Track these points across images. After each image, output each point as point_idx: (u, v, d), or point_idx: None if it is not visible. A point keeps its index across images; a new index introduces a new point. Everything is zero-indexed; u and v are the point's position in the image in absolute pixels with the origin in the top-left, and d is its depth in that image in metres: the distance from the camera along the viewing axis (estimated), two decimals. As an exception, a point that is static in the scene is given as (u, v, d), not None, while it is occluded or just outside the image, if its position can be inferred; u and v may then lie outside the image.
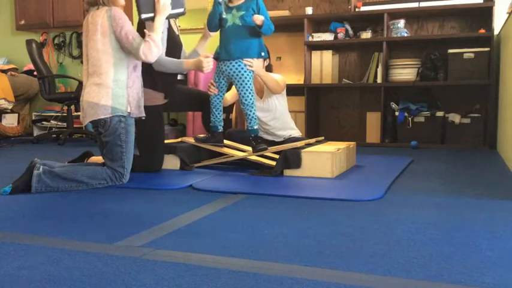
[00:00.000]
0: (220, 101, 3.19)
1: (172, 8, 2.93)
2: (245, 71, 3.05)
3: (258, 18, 2.96)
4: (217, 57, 3.12)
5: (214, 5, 3.06)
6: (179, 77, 3.28)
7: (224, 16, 3.05)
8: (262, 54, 3.10)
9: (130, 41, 2.67)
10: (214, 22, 3.09)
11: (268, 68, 3.56)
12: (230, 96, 3.51)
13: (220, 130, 3.23)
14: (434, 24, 4.87)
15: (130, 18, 2.94)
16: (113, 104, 2.70)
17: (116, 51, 2.72)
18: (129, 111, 2.76)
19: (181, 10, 3.03)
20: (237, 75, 3.06)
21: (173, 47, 3.15)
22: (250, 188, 2.63)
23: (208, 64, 3.09)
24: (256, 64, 3.10)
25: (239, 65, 3.04)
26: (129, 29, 2.70)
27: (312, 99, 5.11)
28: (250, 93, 3.08)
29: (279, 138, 3.55)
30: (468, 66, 4.46)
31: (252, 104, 3.10)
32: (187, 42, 3.46)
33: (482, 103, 4.62)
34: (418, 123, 4.64)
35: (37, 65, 5.22)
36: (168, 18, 2.95)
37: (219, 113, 3.20)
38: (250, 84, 3.08)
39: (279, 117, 3.51)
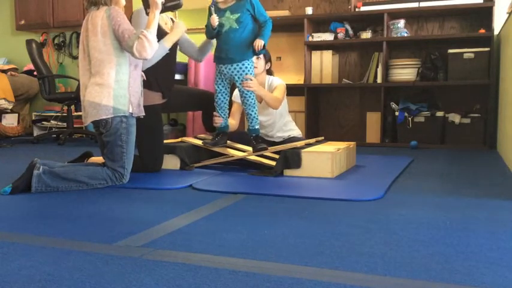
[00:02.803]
0: (224, 102, 3.19)
1: (167, 1, 2.85)
2: (247, 72, 3.06)
3: (259, 45, 2.98)
4: (217, 61, 3.12)
5: (210, 16, 3.05)
6: (179, 77, 3.27)
7: (219, 21, 3.03)
8: (257, 52, 3.09)
9: (126, 39, 2.67)
10: (212, 33, 3.08)
11: (269, 72, 3.57)
12: (235, 120, 3.50)
13: (227, 129, 3.24)
14: (434, 24, 4.87)
15: (130, 19, 2.93)
16: (115, 104, 2.70)
17: (118, 50, 2.71)
18: (131, 111, 2.76)
19: (176, 2, 2.90)
20: (239, 77, 3.06)
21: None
22: (250, 188, 2.63)
23: (182, 25, 3.08)
24: (256, 84, 3.11)
25: (240, 67, 3.05)
26: (126, 27, 2.69)
27: (312, 99, 5.11)
28: (252, 93, 3.09)
29: (279, 139, 3.55)
30: (468, 66, 4.46)
31: (254, 104, 3.12)
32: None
33: (482, 103, 4.62)
34: (418, 123, 4.64)
35: (37, 65, 5.22)
36: (164, 11, 2.90)
37: (224, 114, 3.20)
38: None
39: (278, 120, 3.51)
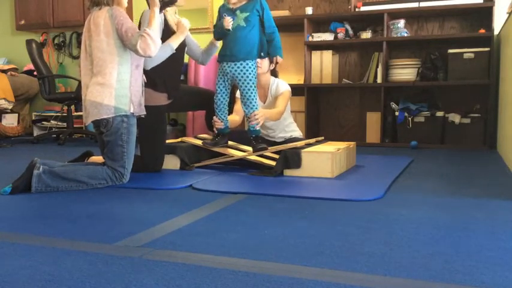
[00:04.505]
0: (224, 103, 3.18)
1: None
2: (250, 73, 3.05)
3: (278, 61, 3.15)
4: (221, 59, 3.12)
5: (220, 17, 3.07)
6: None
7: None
8: (262, 54, 3.10)
9: (129, 37, 2.67)
10: (220, 34, 3.09)
11: (273, 73, 3.56)
12: (239, 116, 3.50)
13: (227, 131, 3.23)
14: (434, 24, 4.87)
15: (131, 19, 2.95)
16: (116, 104, 2.70)
17: (120, 50, 2.72)
18: (132, 111, 2.76)
19: None
20: (242, 76, 3.06)
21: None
22: (250, 188, 2.63)
23: (185, 22, 3.09)
24: (262, 115, 3.13)
25: (244, 67, 3.04)
26: (129, 26, 2.70)
27: (312, 99, 5.11)
28: (253, 94, 3.09)
29: (281, 139, 3.55)
30: (468, 66, 4.46)
31: (255, 104, 3.10)
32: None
33: (482, 103, 4.62)
34: (418, 123, 4.64)
35: (37, 65, 5.22)
36: (163, 8, 2.89)
37: (224, 115, 3.20)
38: (255, 85, 3.09)
39: (281, 122, 3.50)
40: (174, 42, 3.03)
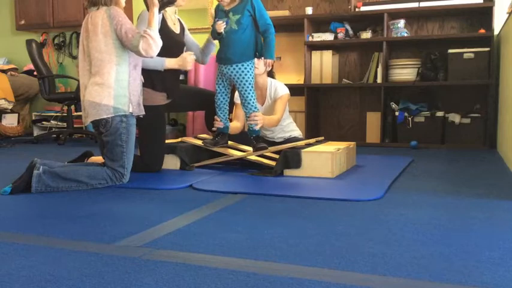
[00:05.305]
0: (224, 102, 3.17)
1: None
2: (246, 74, 3.04)
3: (269, 64, 3.09)
4: (218, 61, 3.12)
5: (215, 18, 3.07)
6: (180, 76, 3.27)
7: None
8: (257, 54, 3.09)
9: (130, 38, 2.67)
10: (215, 37, 3.09)
11: (270, 74, 3.55)
12: (240, 122, 3.49)
13: (227, 131, 3.23)
14: (434, 24, 4.87)
15: (130, 19, 2.97)
16: (115, 103, 2.70)
17: (119, 50, 2.72)
18: (131, 110, 2.76)
19: None
20: (239, 78, 3.05)
21: (171, 46, 3.13)
22: (250, 188, 2.63)
23: (191, 60, 3.16)
24: (261, 118, 3.12)
25: (239, 68, 3.04)
26: (129, 26, 2.69)
27: (312, 99, 5.11)
28: (251, 94, 3.08)
29: (280, 139, 3.55)
30: (468, 66, 4.46)
31: (254, 104, 3.10)
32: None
33: (482, 103, 4.62)
34: (418, 123, 4.64)
35: (37, 65, 5.22)
36: (162, 8, 2.91)
37: (224, 115, 3.19)
38: (252, 86, 3.08)
39: (280, 123, 3.49)
40: (169, 64, 3.10)
